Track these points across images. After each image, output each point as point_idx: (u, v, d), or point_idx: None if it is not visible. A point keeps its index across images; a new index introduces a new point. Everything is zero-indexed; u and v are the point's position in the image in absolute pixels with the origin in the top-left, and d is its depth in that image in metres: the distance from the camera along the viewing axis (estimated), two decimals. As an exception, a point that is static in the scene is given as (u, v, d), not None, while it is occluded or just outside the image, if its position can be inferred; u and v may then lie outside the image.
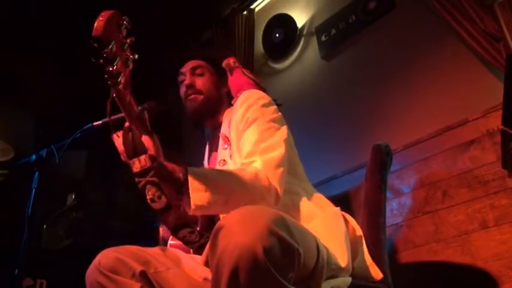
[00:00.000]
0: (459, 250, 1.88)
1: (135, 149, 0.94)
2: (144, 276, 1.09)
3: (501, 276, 1.74)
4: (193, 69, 1.48)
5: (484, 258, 1.80)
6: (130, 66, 0.93)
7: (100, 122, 1.52)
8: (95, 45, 0.84)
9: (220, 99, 1.48)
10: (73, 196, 2.63)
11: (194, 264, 1.18)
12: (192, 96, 1.43)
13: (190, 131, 1.42)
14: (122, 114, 0.99)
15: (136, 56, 0.93)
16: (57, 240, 2.51)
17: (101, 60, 0.86)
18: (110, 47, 0.86)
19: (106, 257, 1.11)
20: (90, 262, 1.13)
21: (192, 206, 0.96)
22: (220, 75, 1.51)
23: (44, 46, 3.30)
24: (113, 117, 1.31)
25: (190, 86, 1.44)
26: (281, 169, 1.14)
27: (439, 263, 1.93)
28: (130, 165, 0.94)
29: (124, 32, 0.92)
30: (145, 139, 1.00)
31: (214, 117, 1.46)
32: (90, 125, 1.53)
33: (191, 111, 1.44)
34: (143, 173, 0.92)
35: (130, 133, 0.95)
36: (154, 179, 0.92)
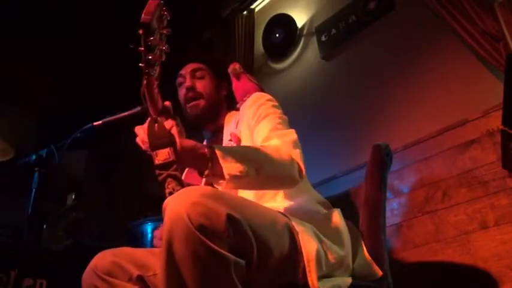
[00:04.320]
0: (459, 250, 1.88)
1: (160, 141, 0.91)
2: (141, 280, 1.09)
3: (501, 276, 1.74)
4: (194, 71, 1.45)
5: (484, 258, 1.80)
6: (163, 57, 0.92)
7: (100, 122, 1.52)
8: (141, 31, 0.84)
9: (220, 103, 1.47)
10: (73, 196, 2.64)
11: None
12: (193, 103, 1.40)
13: (188, 132, 1.41)
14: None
15: (168, 49, 0.92)
16: (57, 240, 2.51)
17: (142, 48, 0.85)
18: (155, 35, 0.86)
19: (102, 260, 1.11)
20: (90, 262, 1.13)
21: (226, 176, 0.95)
22: (220, 79, 1.49)
23: (44, 47, 3.31)
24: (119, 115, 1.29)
25: (191, 89, 1.41)
26: (299, 150, 1.16)
27: (439, 263, 1.93)
28: (152, 156, 0.92)
29: (164, 23, 0.91)
30: (169, 123, 0.97)
31: (215, 121, 1.44)
32: (90, 125, 1.52)
33: (193, 117, 1.41)
34: (165, 165, 0.90)
35: (156, 124, 0.93)
36: (176, 172, 0.91)
